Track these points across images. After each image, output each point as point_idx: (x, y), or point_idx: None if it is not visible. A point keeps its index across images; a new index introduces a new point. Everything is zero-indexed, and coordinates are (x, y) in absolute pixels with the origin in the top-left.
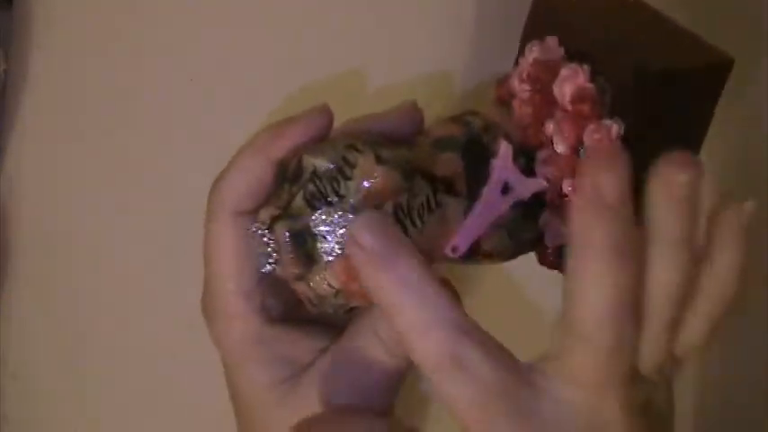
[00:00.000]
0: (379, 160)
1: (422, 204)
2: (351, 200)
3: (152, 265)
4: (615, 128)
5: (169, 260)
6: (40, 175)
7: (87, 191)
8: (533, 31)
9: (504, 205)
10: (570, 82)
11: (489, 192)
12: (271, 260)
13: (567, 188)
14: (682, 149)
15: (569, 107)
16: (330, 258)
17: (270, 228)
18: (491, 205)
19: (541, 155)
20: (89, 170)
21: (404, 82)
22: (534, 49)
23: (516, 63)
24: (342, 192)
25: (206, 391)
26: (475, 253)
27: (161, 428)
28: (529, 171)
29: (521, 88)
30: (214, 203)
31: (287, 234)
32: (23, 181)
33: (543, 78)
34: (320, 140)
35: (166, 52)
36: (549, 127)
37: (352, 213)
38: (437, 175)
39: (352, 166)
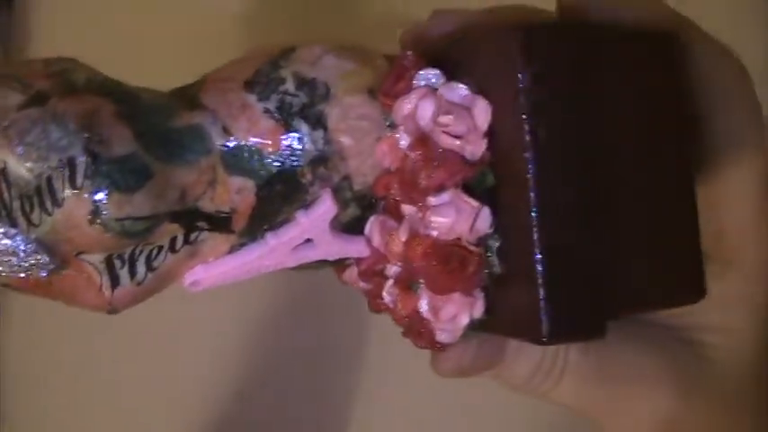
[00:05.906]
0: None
1: (159, 248)
2: (38, 232)
3: None
4: None
5: None
6: None
7: None
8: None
9: (292, 261)
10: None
11: (278, 244)
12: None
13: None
14: None
15: None
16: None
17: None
18: (275, 257)
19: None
20: None
21: None
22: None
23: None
24: (35, 221)
25: (207, 391)
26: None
27: (162, 428)
28: (356, 224)
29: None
30: None
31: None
32: None
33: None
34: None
35: (166, 52)
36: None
37: (33, 251)
38: (205, 213)
39: (56, 199)
